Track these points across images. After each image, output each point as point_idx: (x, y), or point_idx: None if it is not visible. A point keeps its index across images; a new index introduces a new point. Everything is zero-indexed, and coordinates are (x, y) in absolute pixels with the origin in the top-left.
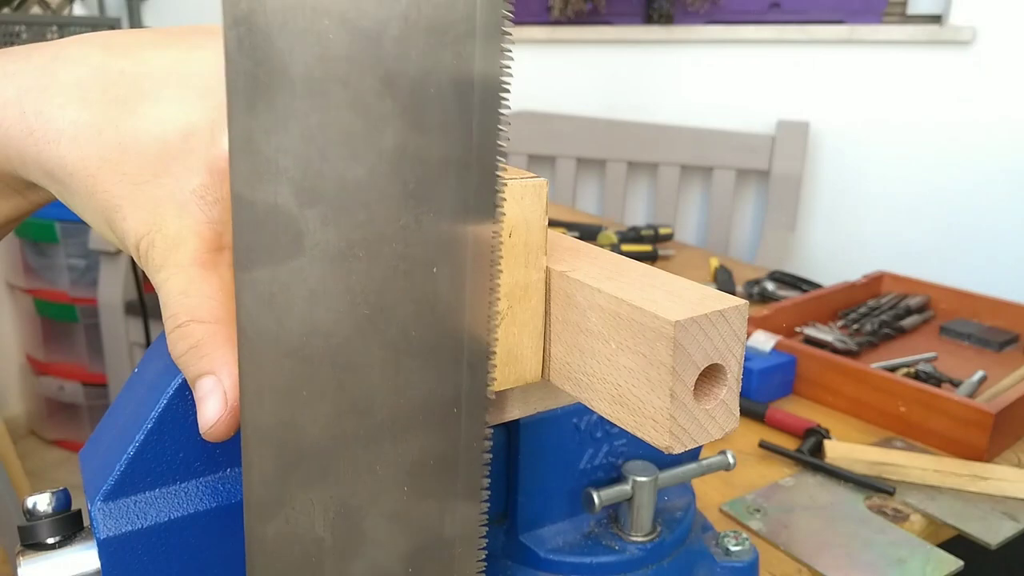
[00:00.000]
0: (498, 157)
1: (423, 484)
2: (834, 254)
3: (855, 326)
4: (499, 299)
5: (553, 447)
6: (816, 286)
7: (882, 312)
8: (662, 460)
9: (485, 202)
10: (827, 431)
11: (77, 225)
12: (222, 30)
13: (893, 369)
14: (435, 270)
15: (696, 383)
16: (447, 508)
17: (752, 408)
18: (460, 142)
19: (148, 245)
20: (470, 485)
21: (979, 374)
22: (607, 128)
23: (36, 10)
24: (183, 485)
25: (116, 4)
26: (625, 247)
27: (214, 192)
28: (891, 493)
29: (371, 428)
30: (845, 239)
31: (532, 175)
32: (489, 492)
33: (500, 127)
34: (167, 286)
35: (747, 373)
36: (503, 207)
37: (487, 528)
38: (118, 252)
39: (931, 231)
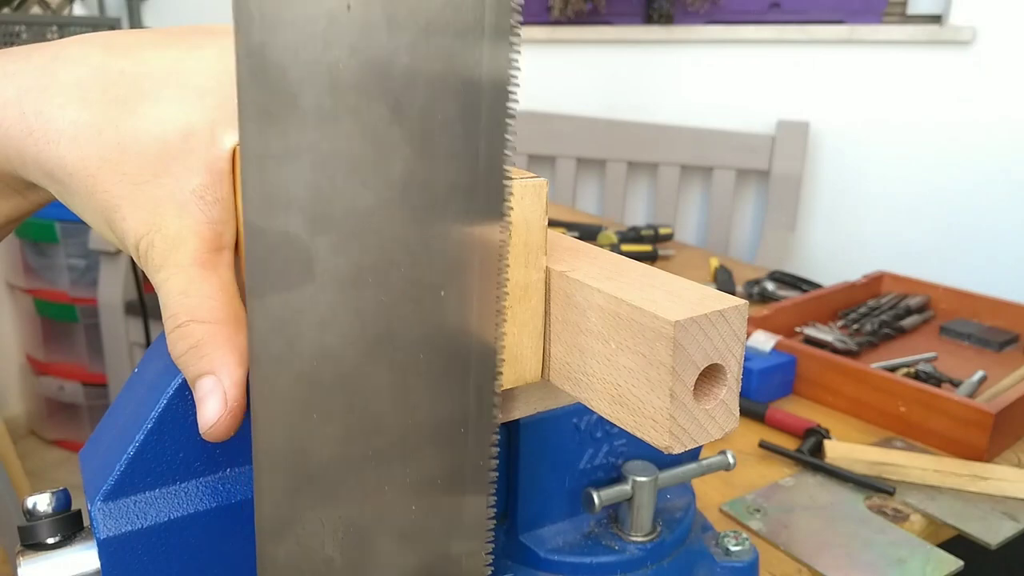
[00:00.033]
0: (504, 180)
1: (430, 503)
2: (834, 254)
3: (855, 326)
4: (505, 320)
5: (553, 447)
6: (816, 286)
7: (882, 312)
8: (662, 460)
9: (490, 224)
10: (827, 431)
11: (77, 225)
12: (234, 59)
13: (893, 369)
14: (442, 293)
15: (696, 383)
16: (454, 526)
17: (752, 408)
18: (467, 167)
19: (148, 245)
20: (477, 503)
21: (979, 374)
22: (607, 128)
23: (36, 10)
24: (183, 485)
25: (116, 4)
26: (625, 247)
27: (214, 192)
28: (891, 493)
29: (379, 449)
30: (845, 239)
31: (532, 175)
32: (495, 509)
33: (506, 152)
34: (167, 286)
35: (747, 373)
36: (509, 222)
37: (493, 545)
38: (118, 252)
39: (931, 231)
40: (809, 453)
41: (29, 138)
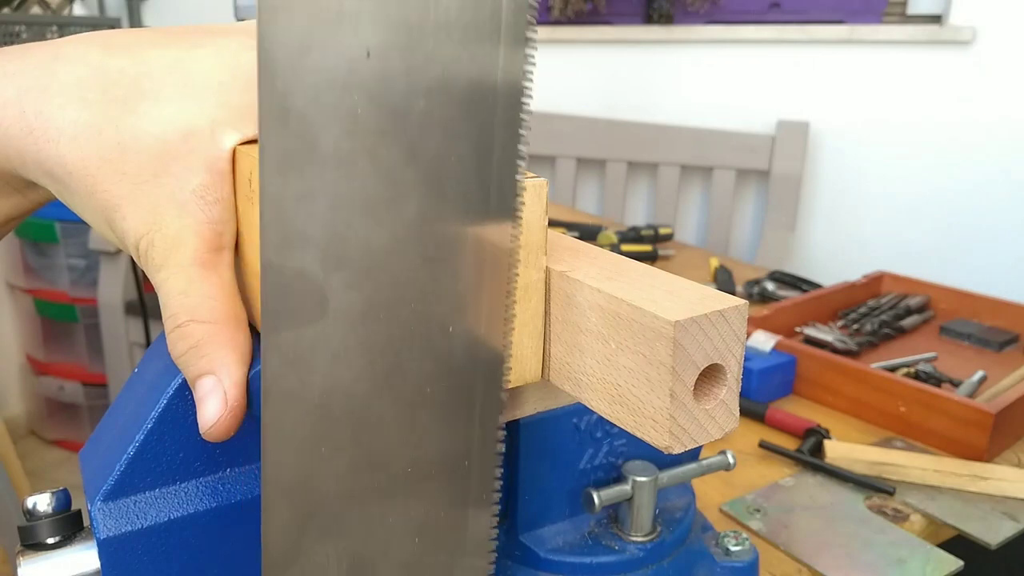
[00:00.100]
0: (514, 223)
1: (434, 536)
2: (834, 254)
3: (855, 326)
4: (511, 355)
5: (553, 447)
6: (816, 286)
7: (882, 312)
8: (662, 460)
9: (500, 257)
10: (827, 431)
11: (77, 225)
12: (257, 101)
13: (893, 369)
14: (451, 329)
15: (696, 383)
16: (456, 560)
17: (752, 408)
18: (478, 207)
19: (148, 245)
20: (479, 538)
21: (979, 374)
22: (607, 128)
23: (36, 10)
24: (183, 485)
25: (116, 4)
26: (625, 247)
27: (214, 192)
28: (891, 493)
29: (385, 482)
30: (845, 239)
31: (532, 175)
32: (496, 542)
33: (517, 195)
34: (167, 286)
35: (747, 373)
36: (518, 262)
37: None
38: (118, 252)
39: (931, 231)
40: (809, 453)
41: (29, 137)
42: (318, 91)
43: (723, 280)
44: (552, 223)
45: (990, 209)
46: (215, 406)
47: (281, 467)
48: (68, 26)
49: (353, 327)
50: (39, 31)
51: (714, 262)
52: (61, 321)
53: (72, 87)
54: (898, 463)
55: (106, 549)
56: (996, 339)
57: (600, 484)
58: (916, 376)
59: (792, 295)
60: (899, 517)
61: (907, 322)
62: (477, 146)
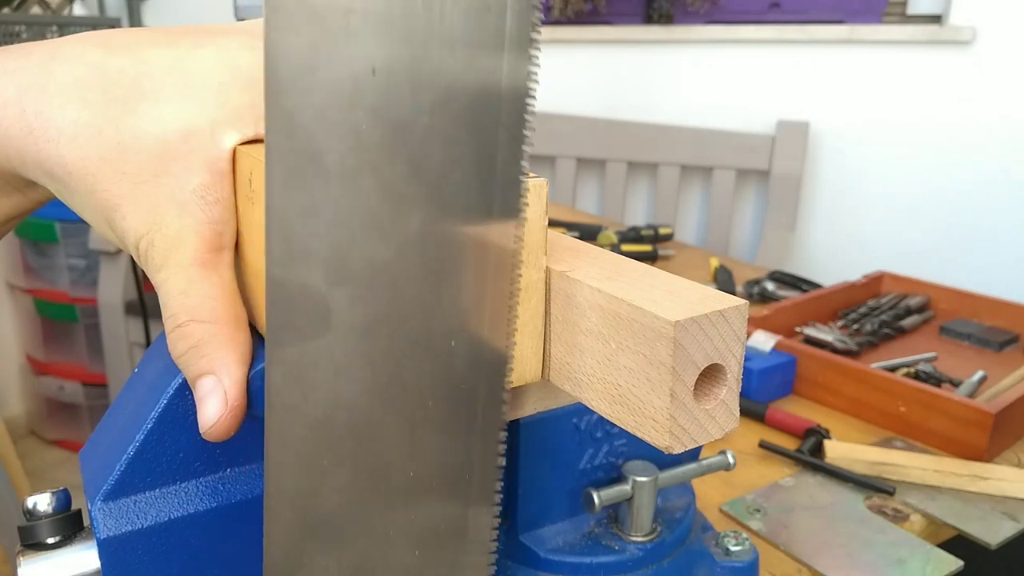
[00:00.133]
0: (517, 228)
1: (434, 548)
2: (834, 254)
3: (855, 326)
4: (513, 369)
5: (553, 447)
6: (816, 286)
7: (882, 312)
8: (662, 460)
9: (503, 269)
10: (827, 431)
11: (77, 225)
12: (264, 116)
13: (893, 369)
14: (453, 343)
15: (696, 383)
16: (457, 571)
17: (752, 408)
18: (481, 219)
19: (148, 244)
20: (480, 550)
21: (979, 374)
22: (607, 128)
23: (36, 10)
24: (183, 485)
25: (116, 4)
26: (625, 247)
27: (214, 192)
28: (891, 493)
29: (386, 495)
30: (845, 239)
31: (532, 175)
32: (496, 555)
33: (519, 208)
34: (167, 286)
35: (747, 373)
36: (519, 274)
37: None
38: (118, 252)
39: (931, 231)
40: (809, 453)
41: (29, 137)
42: (324, 107)
43: (723, 280)
44: (552, 223)
45: (990, 209)
46: (215, 406)
47: (284, 478)
48: (68, 26)
49: (356, 341)
50: (39, 31)
51: (714, 262)
52: (61, 321)
53: (72, 87)
54: (898, 463)
55: (106, 549)
56: (996, 339)
57: (600, 484)
58: (916, 376)
59: (792, 295)
60: (899, 517)
61: (907, 322)
62: (480, 158)
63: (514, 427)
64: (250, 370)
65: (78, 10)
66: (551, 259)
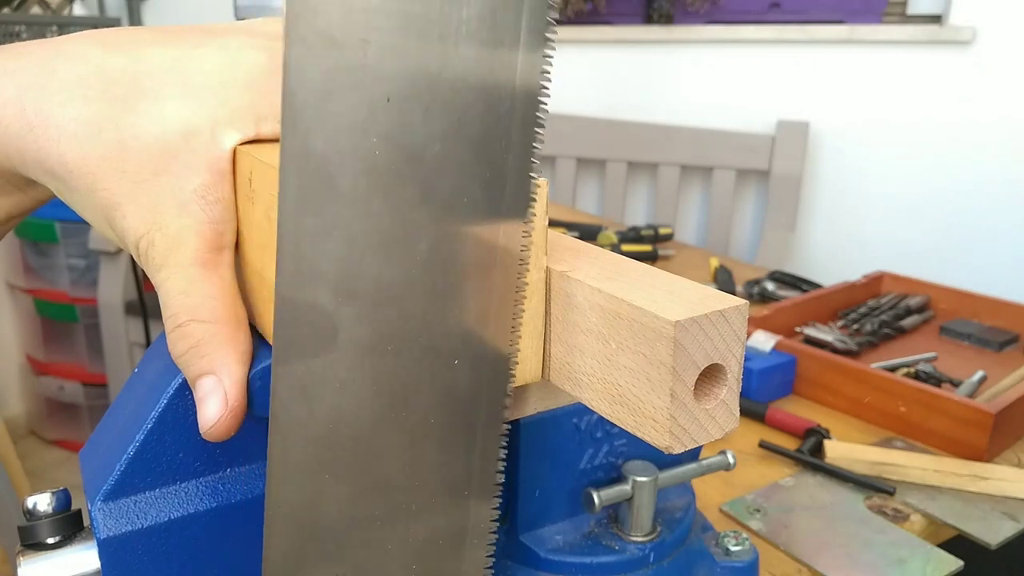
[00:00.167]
0: (520, 262)
1: (432, 560)
2: (834, 254)
3: (855, 326)
4: (513, 387)
5: (553, 447)
6: (816, 286)
7: (882, 312)
8: (662, 460)
9: (508, 289)
10: (827, 431)
11: (77, 225)
12: (281, 140)
13: (893, 369)
14: (456, 361)
15: (696, 383)
16: None
17: (752, 408)
18: (488, 236)
19: (148, 244)
20: (476, 563)
21: (979, 374)
22: (607, 128)
23: (36, 10)
24: (183, 485)
25: (116, 4)
26: (625, 247)
27: (215, 192)
28: (891, 493)
29: (386, 509)
30: (845, 239)
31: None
32: (494, 561)
33: (525, 233)
34: (167, 285)
35: (747, 373)
36: (526, 286)
37: None
38: (118, 252)
39: (931, 231)
40: (809, 453)
41: (29, 135)
42: (338, 133)
43: (723, 280)
44: (552, 223)
45: (990, 209)
46: (215, 406)
47: (285, 491)
48: (68, 26)
49: (361, 359)
50: (39, 31)
51: (714, 262)
52: (61, 321)
53: (72, 85)
54: (898, 463)
55: (106, 549)
56: (996, 339)
57: (600, 484)
58: (916, 376)
59: (792, 295)
60: (899, 517)
61: (907, 322)
62: (489, 187)
63: (514, 427)
64: (251, 370)
65: (78, 10)
66: (551, 259)
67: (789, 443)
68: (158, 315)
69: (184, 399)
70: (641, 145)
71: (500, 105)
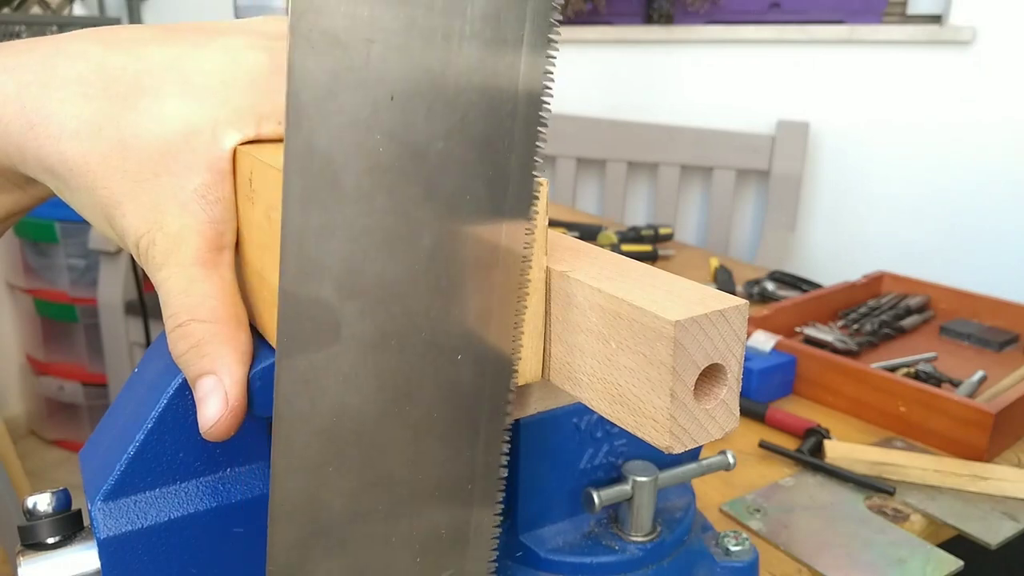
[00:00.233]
0: (523, 259)
1: (435, 554)
2: (834, 254)
3: (855, 326)
4: (517, 382)
5: (553, 447)
6: (816, 286)
7: (882, 312)
8: (662, 460)
9: (510, 288)
10: (827, 431)
11: (77, 225)
12: (285, 138)
13: (893, 369)
14: (459, 357)
15: (696, 383)
16: None
17: (752, 408)
18: (491, 235)
19: (149, 243)
20: (480, 555)
21: (979, 374)
22: (607, 128)
23: (36, 10)
24: (183, 485)
25: (116, 4)
26: (625, 247)
27: (215, 191)
28: (891, 493)
29: (390, 503)
30: (845, 239)
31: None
32: (496, 560)
33: (528, 231)
34: (167, 285)
35: (747, 373)
36: (528, 284)
37: None
38: (118, 252)
39: (932, 231)
40: (809, 453)
41: (30, 133)
42: (342, 131)
43: (723, 280)
44: (552, 223)
45: (991, 209)
46: (216, 406)
47: (289, 484)
48: (68, 26)
49: (365, 354)
50: (39, 31)
51: (714, 262)
52: (61, 321)
53: (72, 83)
54: (898, 463)
55: (106, 549)
56: (996, 339)
57: (600, 484)
58: (916, 376)
59: (792, 295)
60: (899, 517)
61: (907, 322)
62: (493, 184)
63: (514, 427)
64: (250, 370)
65: (78, 10)
66: (551, 259)
67: (789, 443)
68: (158, 315)
69: (184, 399)
70: (641, 145)
71: (503, 105)
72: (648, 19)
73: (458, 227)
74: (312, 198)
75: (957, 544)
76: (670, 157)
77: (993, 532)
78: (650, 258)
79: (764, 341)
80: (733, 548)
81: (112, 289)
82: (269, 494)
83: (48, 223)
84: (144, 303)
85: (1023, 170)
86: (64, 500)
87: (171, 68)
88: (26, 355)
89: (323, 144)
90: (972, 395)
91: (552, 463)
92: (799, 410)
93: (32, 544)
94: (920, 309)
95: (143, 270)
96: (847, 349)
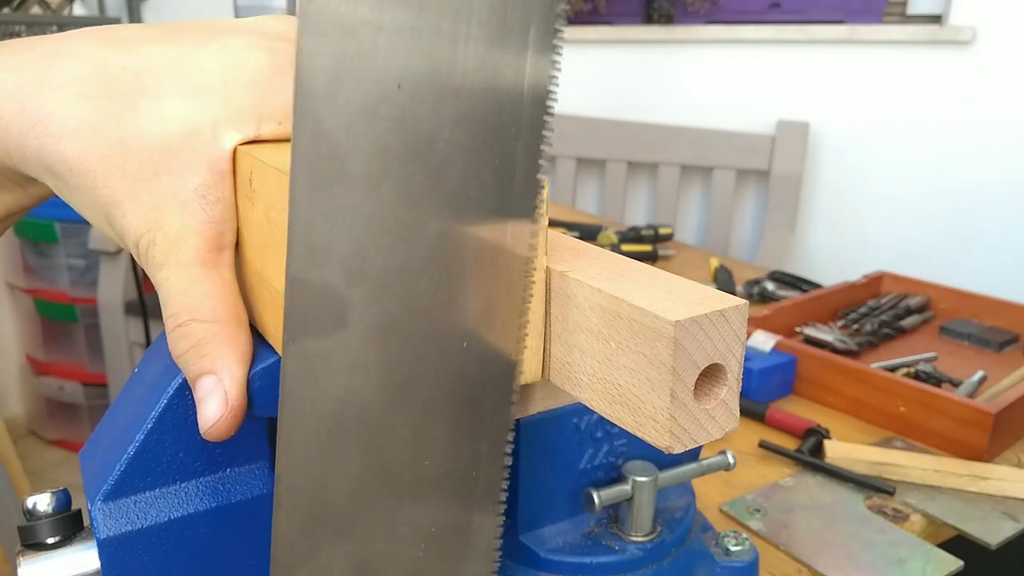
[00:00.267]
0: (530, 242)
1: (439, 546)
2: (834, 254)
3: (855, 326)
4: (523, 372)
5: (553, 447)
6: (816, 286)
7: (882, 312)
8: (662, 460)
9: (515, 279)
10: (827, 431)
11: (77, 225)
12: (293, 123)
13: (893, 369)
14: (463, 347)
15: (696, 383)
16: (461, 566)
17: (752, 408)
18: (497, 227)
19: (149, 243)
20: (483, 549)
21: (979, 374)
22: (607, 128)
23: (36, 10)
24: (183, 485)
25: (116, 4)
26: (625, 247)
27: (216, 191)
28: (891, 493)
29: (394, 490)
30: (845, 239)
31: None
32: (500, 552)
33: (535, 212)
34: (167, 285)
35: (747, 373)
36: (533, 281)
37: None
38: (118, 252)
39: (932, 231)
40: (809, 453)
41: (30, 132)
42: (350, 117)
43: (723, 280)
44: (552, 223)
45: (991, 209)
46: (215, 406)
47: (294, 469)
48: (68, 26)
49: (370, 340)
50: (39, 31)
51: (714, 262)
52: (61, 321)
53: (73, 82)
54: (898, 463)
55: (106, 549)
56: (996, 339)
57: (600, 484)
58: (916, 376)
59: (792, 295)
60: (899, 517)
61: (907, 322)
62: (500, 165)
63: (515, 427)
64: (250, 370)
65: (78, 10)
66: (551, 259)
67: (789, 443)
68: (158, 315)
69: (184, 399)
70: (641, 145)
71: (509, 96)
72: (648, 19)
73: (463, 218)
74: (319, 182)
75: (957, 544)
76: (670, 157)
77: (993, 532)
78: (650, 258)
79: (764, 341)
80: (733, 548)
81: (112, 289)
82: (275, 479)
83: (48, 223)
84: (144, 303)
85: (1023, 170)
86: (64, 500)
87: (171, 68)
88: (26, 355)
89: (331, 129)
90: (972, 395)
91: (552, 463)
92: (799, 410)
93: (32, 544)
94: (920, 309)
95: (143, 270)
96: (847, 349)
